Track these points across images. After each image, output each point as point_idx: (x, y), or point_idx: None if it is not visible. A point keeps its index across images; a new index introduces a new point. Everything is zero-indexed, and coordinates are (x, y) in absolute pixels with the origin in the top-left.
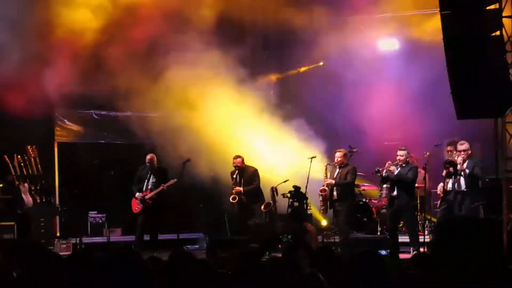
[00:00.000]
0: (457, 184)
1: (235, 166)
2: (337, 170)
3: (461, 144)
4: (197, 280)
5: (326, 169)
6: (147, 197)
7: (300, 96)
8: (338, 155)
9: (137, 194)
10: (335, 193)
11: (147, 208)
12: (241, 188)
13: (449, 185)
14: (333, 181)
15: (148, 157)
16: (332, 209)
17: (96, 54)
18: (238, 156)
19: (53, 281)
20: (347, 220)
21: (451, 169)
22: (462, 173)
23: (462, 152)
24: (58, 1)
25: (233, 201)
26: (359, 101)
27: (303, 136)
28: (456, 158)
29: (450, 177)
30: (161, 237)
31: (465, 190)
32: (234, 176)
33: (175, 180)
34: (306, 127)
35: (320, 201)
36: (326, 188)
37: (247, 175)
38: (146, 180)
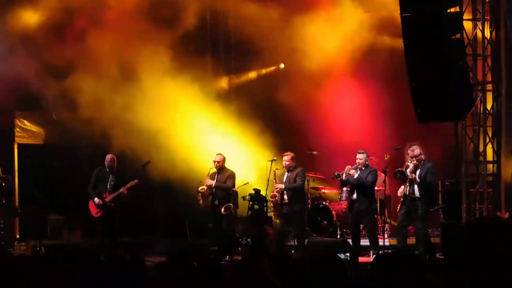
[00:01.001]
0: (412, 191)
1: (215, 162)
2: (286, 174)
3: (412, 150)
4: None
5: (274, 174)
6: (107, 199)
7: (261, 98)
8: (286, 158)
9: (96, 199)
10: (285, 197)
11: (107, 211)
12: (213, 182)
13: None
14: (283, 186)
15: (109, 157)
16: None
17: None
18: (220, 154)
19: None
20: (300, 224)
21: (401, 179)
22: (414, 182)
23: (414, 159)
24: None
25: (201, 191)
26: (319, 102)
27: (263, 139)
28: (408, 164)
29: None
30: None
31: (418, 196)
32: (209, 172)
33: (136, 181)
34: (266, 129)
35: (271, 207)
36: (277, 194)
37: (223, 176)
38: (106, 183)
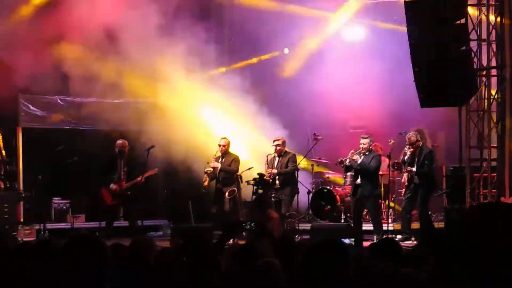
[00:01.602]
0: (411, 177)
1: (220, 146)
2: (277, 159)
3: (409, 138)
4: (157, 267)
5: (267, 159)
6: (123, 187)
7: (264, 83)
8: (277, 143)
9: (113, 185)
10: (277, 182)
11: (123, 199)
12: (219, 164)
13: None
14: (275, 171)
15: (119, 142)
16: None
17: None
18: (225, 138)
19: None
20: (288, 209)
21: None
22: (410, 173)
23: (411, 146)
24: None
25: (207, 172)
26: (324, 88)
27: (268, 124)
28: (405, 150)
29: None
30: (123, 224)
31: (417, 182)
32: (216, 155)
33: (156, 170)
34: (270, 115)
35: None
36: (269, 179)
37: (227, 159)
38: (118, 169)
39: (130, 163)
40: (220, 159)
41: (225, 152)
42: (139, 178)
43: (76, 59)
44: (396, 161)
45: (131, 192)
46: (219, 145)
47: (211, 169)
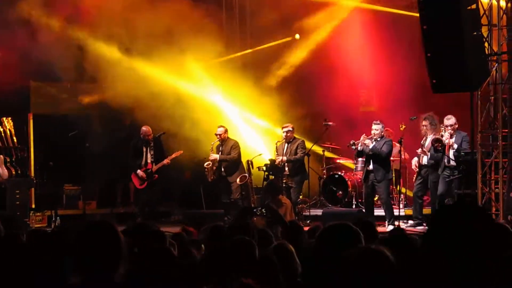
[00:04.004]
0: (448, 160)
1: (217, 135)
2: (286, 145)
3: (448, 119)
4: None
5: (276, 147)
6: (153, 169)
7: (276, 68)
8: (286, 130)
9: (139, 172)
10: (286, 169)
11: (152, 181)
12: (217, 156)
13: (424, 160)
14: (285, 158)
15: (144, 129)
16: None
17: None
18: (221, 126)
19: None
20: (298, 196)
21: (439, 146)
22: (451, 148)
23: (449, 127)
24: None
25: (207, 167)
26: (335, 72)
27: (279, 109)
28: (443, 133)
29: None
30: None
31: (454, 165)
32: (213, 147)
33: (181, 151)
34: (281, 100)
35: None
36: (279, 166)
37: (227, 146)
38: (145, 154)
39: (156, 148)
40: (220, 147)
41: (223, 140)
42: (165, 161)
43: (88, 44)
44: (437, 136)
45: (158, 176)
46: (216, 134)
47: (210, 163)
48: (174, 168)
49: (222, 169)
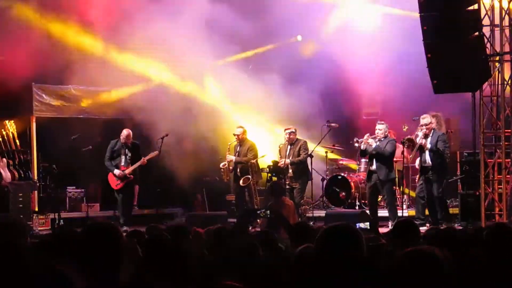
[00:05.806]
0: (424, 159)
1: (235, 135)
2: (289, 147)
3: (423, 118)
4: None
5: (279, 151)
6: (127, 171)
7: (280, 70)
8: (289, 132)
9: (116, 171)
10: (290, 170)
11: (128, 183)
12: (233, 158)
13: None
14: (288, 160)
15: (125, 133)
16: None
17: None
18: (240, 127)
19: None
20: (301, 197)
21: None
22: (424, 148)
23: (424, 126)
24: None
25: (223, 167)
26: (338, 74)
27: (282, 110)
28: (418, 133)
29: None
30: (139, 212)
31: (430, 165)
32: (229, 147)
33: (156, 152)
34: (285, 101)
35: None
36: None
37: (244, 147)
38: (123, 156)
39: (133, 149)
40: (238, 148)
41: (241, 141)
42: (140, 162)
43: (91, 48)
44: (408, 136)
45: (134, 176)
46: (235, 135)
47: (226, 163)
48: (174, 169)
49: (238, 170)
